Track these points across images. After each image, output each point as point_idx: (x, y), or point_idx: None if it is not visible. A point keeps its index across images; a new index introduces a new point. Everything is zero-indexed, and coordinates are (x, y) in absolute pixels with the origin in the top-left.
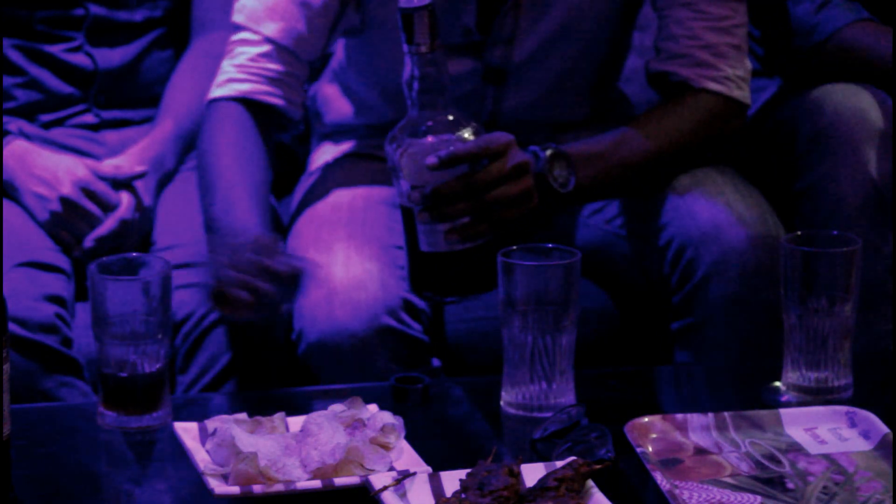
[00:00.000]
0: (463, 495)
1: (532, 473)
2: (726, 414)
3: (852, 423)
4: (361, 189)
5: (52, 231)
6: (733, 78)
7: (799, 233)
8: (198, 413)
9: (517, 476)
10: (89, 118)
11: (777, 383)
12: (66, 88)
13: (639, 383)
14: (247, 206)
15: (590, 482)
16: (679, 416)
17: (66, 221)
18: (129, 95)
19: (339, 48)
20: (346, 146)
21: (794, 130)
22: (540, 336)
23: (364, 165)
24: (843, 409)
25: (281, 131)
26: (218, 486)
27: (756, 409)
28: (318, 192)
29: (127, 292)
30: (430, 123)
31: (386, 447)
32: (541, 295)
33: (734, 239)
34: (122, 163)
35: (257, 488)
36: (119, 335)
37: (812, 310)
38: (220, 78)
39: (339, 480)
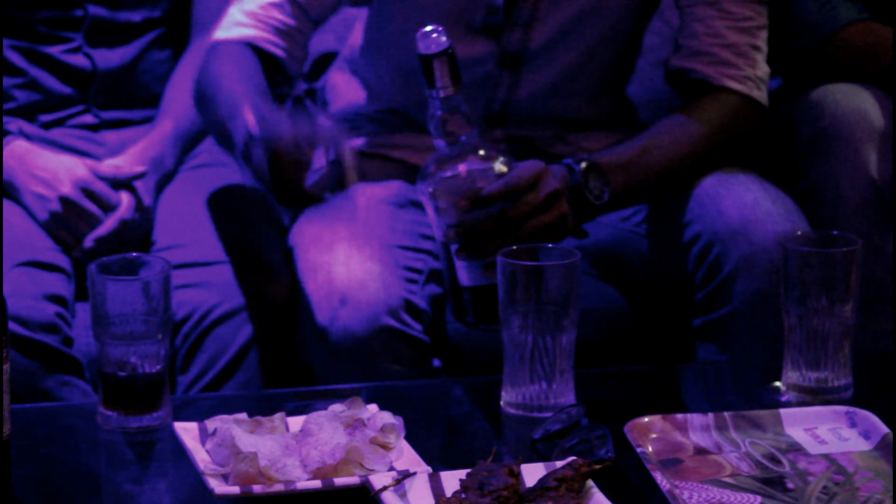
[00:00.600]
0: (463, 495)
1: (532, 473)
2: (726, 414)
3: (852, 423)
4: (364, 188)
5: (51, 231)
6: (753, 78)
7: (799, 233)
8: (198, 413)
9: (517, 476)
10: (89, 118)
11: (777, 383)
12: (66, 89)
13: (639, 383)
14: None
15: (590, 482)
16: (679, 416)
17: (66, 221)
18: (128, 96)
19: (355, 33)
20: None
21: (794, 130)
22: (540, 336)
23: (367, 164)
24: (843, 409)
25: (274, 86)
26: (218, 486)
27: (756, 409)
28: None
29: (127, 292)
30: (460, 161)
31: (386, 447)
32: (541, 295)
33: (763, 235)
34: (122, 163)
35: (257, 488)
36: (119, 335)
37: (812, 310)
38: (226, 21)
39: (339, 480)
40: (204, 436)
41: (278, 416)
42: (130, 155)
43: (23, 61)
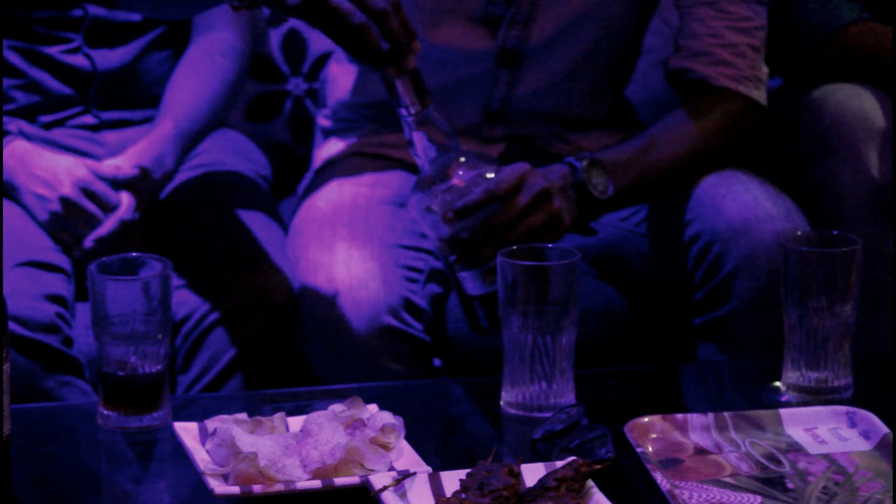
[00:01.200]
0: (463, 495)
1: (532, 473)
2: (726, 414)
3: (852, 423)
4: (364, 188)
5: (51, 231)
6: (752, 78)
7: (799, 233)
8: (198, 413)
9: (517, 476)
10: (89, 119)
11: (777, 383)
12: (66, 90)
13: (639, 383)
14: None
15: (590, 482)
16: (679, 416)
17: (66, 221)
18: (128, 96)
19: None
20: (351, 140)
21: (795, 130)
22: (540, 336)
23: (367, 164)
24: (843, 409)
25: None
26: (218, 486)
27: (756, 409)
28: (320, 192)
29: (127, 292)
30: (446, 174)
31: (386, 447)
32: (541, 295)
33: (763, 235)
34: (122, 163)
35: (257, 488)
36: (119, 335)
37: (812, 310)
38: None
39: (339, 480)
40: (204, 436)
41: (278, 416)
42: (131, 155)
43: (22, 62)
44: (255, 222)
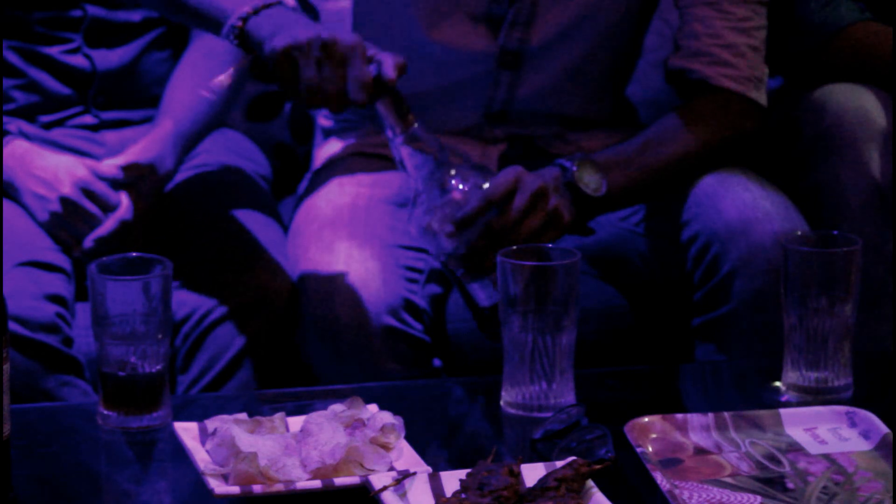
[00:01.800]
0: (463, 495)
1: (532, 473)
2: (726, 414)
3: (852, 423)
4: (364, 188)
5: (51, 231)
6: (752, 79)
7: (799, 233)
8: (198, 413)
9: (517, 476)
10: (89, 119)
11: (777, 383)
12: (65, 90)
13: (639, 383)
14: None
15: (590, 482)
16: (679, 416)
17: (66, 222)
18: (128, 96)
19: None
20: (351, 140)
21: (796, 130)
22: (540, 336)
23: (367, 164)
24: (843, 409)
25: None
26: (218, 486)
27: (756, 409)
28: (320, 192)
29: (127, 292)
30: (444, 188)
31: (386, 447)
32: (541, 295)
33: (761, 235)
34: (122, 162)
35: (257, 488)
36: (119, 335)
37: (812, 310)
38: None
39: (339, 480)
40: (204, 436)
41: (278, 416)
42: (130, 155)
43: (21, 62)
44: (255, 222)
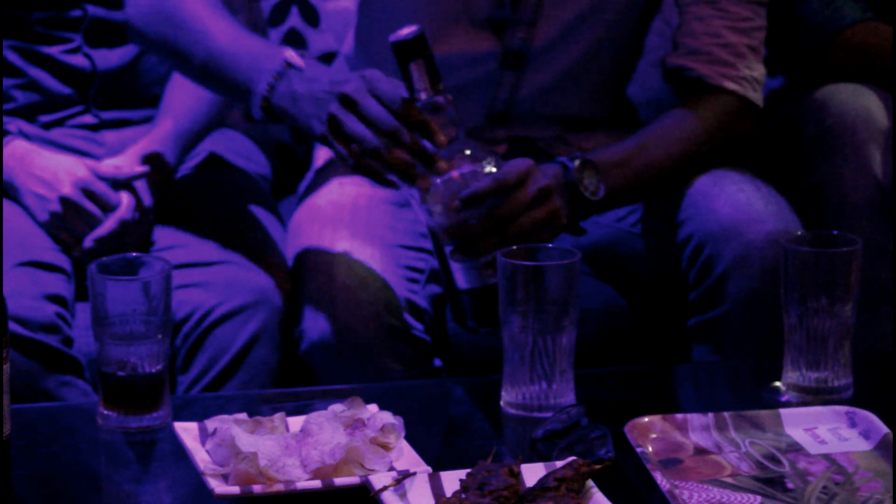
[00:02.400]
0: (463, 495)
1: (532, 473)
2: (726, 414)
3: (852, 423)
4: (365, 188)
5: (51, 231)
6: (749, 79)
7: (799, 233)
8: (198, 413)
9: (517, 476)
10: (89, 119)
11: (777, 383)
12: (65, 90)
13: (639, 383)
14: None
15: (590, 482)
16: (679, 416)
17: (66, 221)
18: (128, 96)
19: (350, 37)
20: None
21: (798, 130)
22: (540, 336)
23: None
24: (843, 409)
25: None
26: (218, 486)
27: (756, 409)
28: (321, 191)
29: (127, 292)
30: (450, 164)
31: (386, 447)
32: (541, 295)
33: (755, 235)
34: (122, 163)
35: (257, 488)
36: (119, 335)
37: (812, 310)
38: None
39: (339, 480)
40: (204, 436)
41: (278, 416)
42: (130, 155)
43: (21, 62)
44: (255, 221)
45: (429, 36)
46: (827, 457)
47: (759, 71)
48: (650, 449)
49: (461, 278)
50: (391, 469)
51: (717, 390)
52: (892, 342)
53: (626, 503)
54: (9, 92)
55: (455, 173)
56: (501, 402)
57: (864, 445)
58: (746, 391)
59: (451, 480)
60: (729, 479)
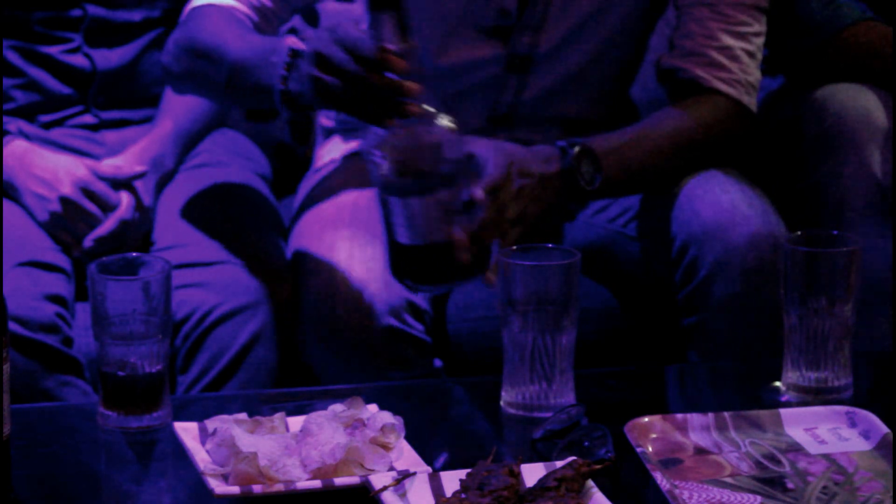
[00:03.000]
0: (463, 495)
1: (532, 473)
2: (726, 414)
3: (852, 423)
4: (366, 189)
5: (51, 231)
6: (744, 83)
7: (799, 233)
8: (198, 413)
9: (517, 476)
10: (89, 118)
11: (777, 383)
12: (65, 89)
13: (639, 383)
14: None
15: (590, 482)
16: (679, 416)
17: (66, 221)
18: (128, 96)
19: None
20: (353, 144)
21: (798, 129)
22: (540, 336)
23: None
24: (843, 409)
25: None
26: (218, 486)
27: (756, 409)
28: (322, 191)
29: (127, 292)
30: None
31: (386, 447)
32: (541, 295)
33: (736, 237)
34: (122, 163)
35: (257, 488)
36: (119, 335)
37: (812, 310)
38: None
39: (339, 480)
40: (204, 436)
41: (278, 416)
42: (130, 155)
43: (21, 62)
44: (255, 221)
45: (434, 45)
46: (827, 457)
47: (754, 76)
48: (650, 449)
49: (403, 233)
50: (391, 469)
51: (717, 390)
52: (892, 342)
53: (626, 503)
54: (9, 92)
55: (416, 122)
56: (501, 402)
57: (864, 445)
58: (746, 391)
59: (451, 480)
60: (729, 479)
